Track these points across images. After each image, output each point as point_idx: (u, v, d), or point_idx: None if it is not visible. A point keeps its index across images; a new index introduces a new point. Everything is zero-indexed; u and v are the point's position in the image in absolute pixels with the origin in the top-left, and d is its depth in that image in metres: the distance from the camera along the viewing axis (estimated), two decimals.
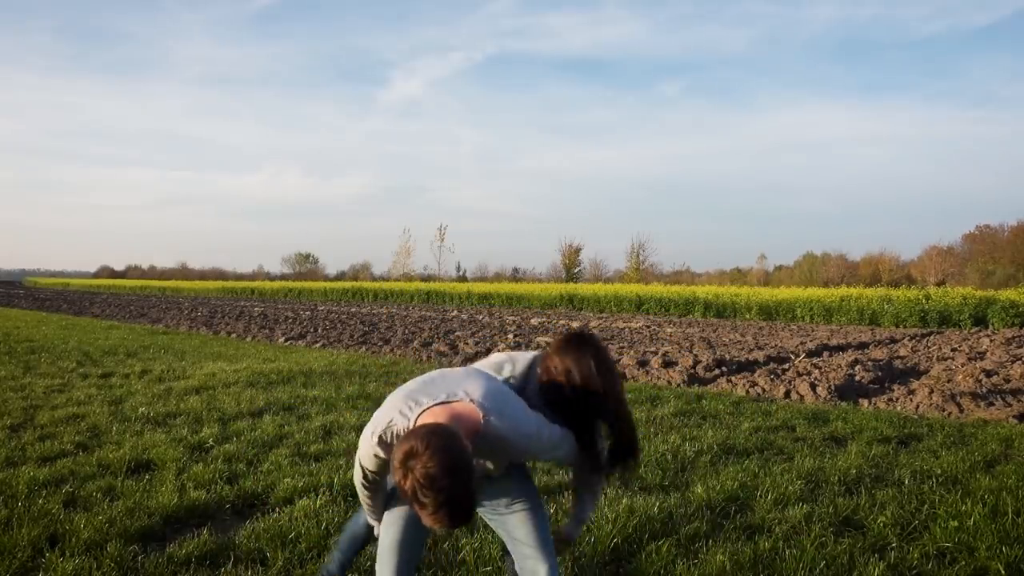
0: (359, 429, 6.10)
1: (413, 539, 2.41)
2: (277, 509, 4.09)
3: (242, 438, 5.72)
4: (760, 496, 4.36)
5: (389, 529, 2.40)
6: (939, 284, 38.07)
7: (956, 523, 3.85)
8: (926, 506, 4.21)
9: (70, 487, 4.38)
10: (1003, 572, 3.31)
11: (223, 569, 3.31)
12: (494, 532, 3.66)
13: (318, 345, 14.41)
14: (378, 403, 8.13)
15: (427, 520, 1.88)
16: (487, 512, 2.47)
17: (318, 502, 4.10)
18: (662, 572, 3.33)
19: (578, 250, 62.52)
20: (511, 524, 2.41)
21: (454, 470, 1.83)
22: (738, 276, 63.36)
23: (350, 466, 4.89)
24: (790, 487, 4.50)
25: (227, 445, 5.46)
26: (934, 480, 4.75)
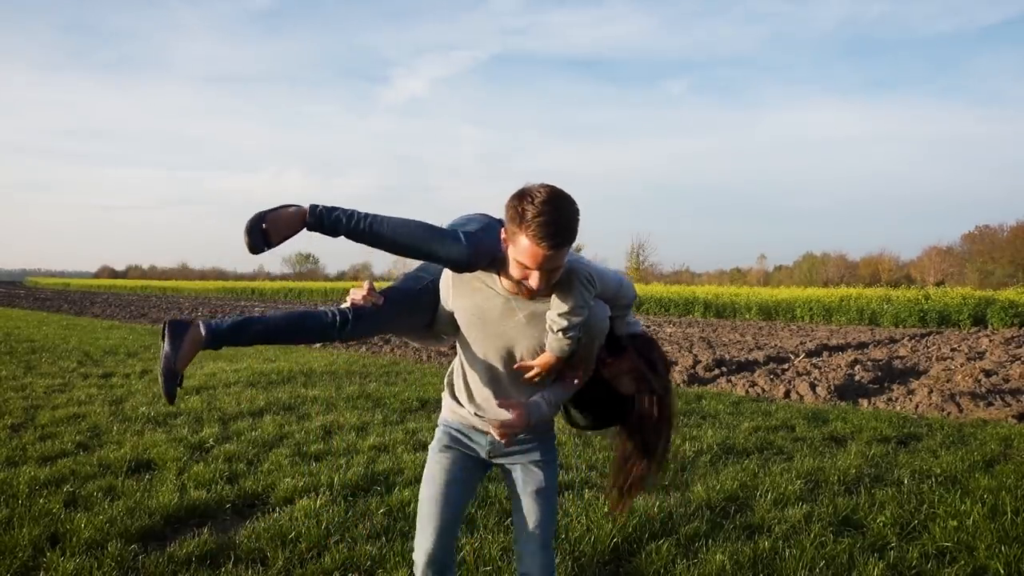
0: (359, 429, 6.11)
1: (457, 490, 2.21)
2: (277, 509, 4.10)
3: (242, 438, 5.73)
4: (760, 496, 4.37)
5: (428, 483, 2.24)
6: (938, 284, 38.04)
7: (955, 523, 3.86)
8: (925, 506, 4.22)
9: (71, 487, 4.38)
10: (1002, 571, 3.32)
11: (223, 569, 3.32)
12: (494, 532, 3.67)
13: (318, 345, 14.42)
14: (378, 403, 8.09)
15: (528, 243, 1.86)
16: (512, 473, 2.26)
17: (318, 502, 4.11)
18: (662, 572, 3.33)
19: (578, 250, 62.27)
20: (523, 508, 2.24)
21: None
22: (738, 276, 63.33)
23: (351, 466, 4.90)
24: (790, 487, 4.51)
25: (227, 445, 5.46)
26: (933, 480, 4.75)
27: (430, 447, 2.31)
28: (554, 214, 1.83)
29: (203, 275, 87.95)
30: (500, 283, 2.09)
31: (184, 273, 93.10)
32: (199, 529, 3.79)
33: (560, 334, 2.00)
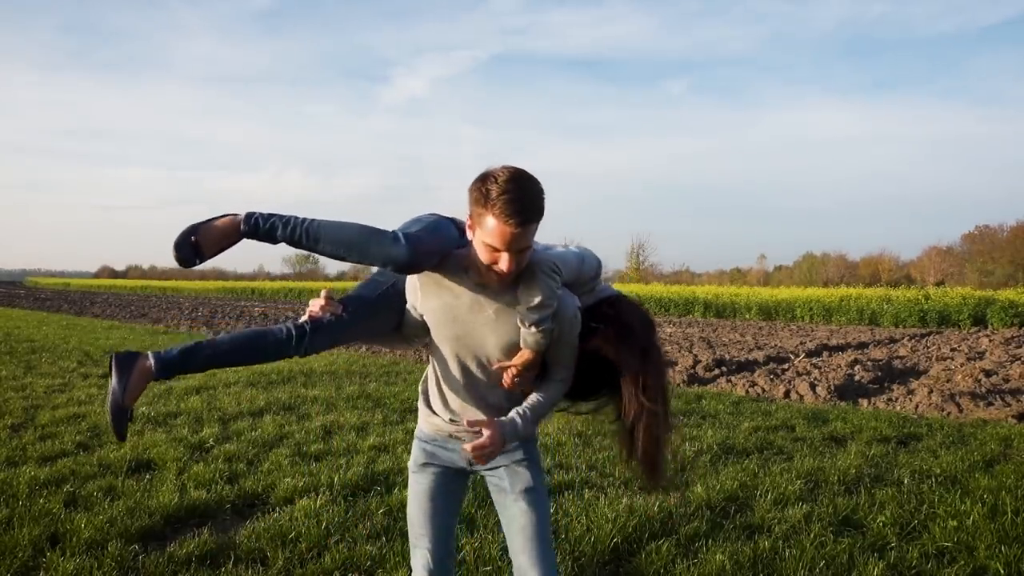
0: (359, 429, 6.11)
1: (443, 502, 2.18)
2: (277, 509, 4.10)
3: (242, 438, 5.73)
4: (760, 496, 4.37)
5: (413, 501, 2.21)
6: (938, 284, 38.04)
7: (955, 523, 3.86)
8: (925, 506, 4.22)
9: (71, 487, 4.38)
10: (1002, 571, 3.32)
11: (223, 569, 3.32)
12: (494, 532, 3.67)
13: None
14: (378, 403, 8.06)
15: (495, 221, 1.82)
16: (493, 478, 2.21)
17: (318, 502, 4.11)
18: (662, 572, 3.33)
19: None
20: (512, 513, 2.17)
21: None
22: (738, 276, 63.30)
23: (351, 466, 4.90)
24: (790, 487, 4.51)
25: (227, 445, 5.47)
26: (933, 480, 4.75)
27: (409, 463, 2.25)
28: (519, 191, 1.81)
29: (203, 275, 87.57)
30: (466, 279, 2.05)
31: (184, 273, 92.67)
32: (199, 529, 3.79)
33: (533, 328, 1.96)
